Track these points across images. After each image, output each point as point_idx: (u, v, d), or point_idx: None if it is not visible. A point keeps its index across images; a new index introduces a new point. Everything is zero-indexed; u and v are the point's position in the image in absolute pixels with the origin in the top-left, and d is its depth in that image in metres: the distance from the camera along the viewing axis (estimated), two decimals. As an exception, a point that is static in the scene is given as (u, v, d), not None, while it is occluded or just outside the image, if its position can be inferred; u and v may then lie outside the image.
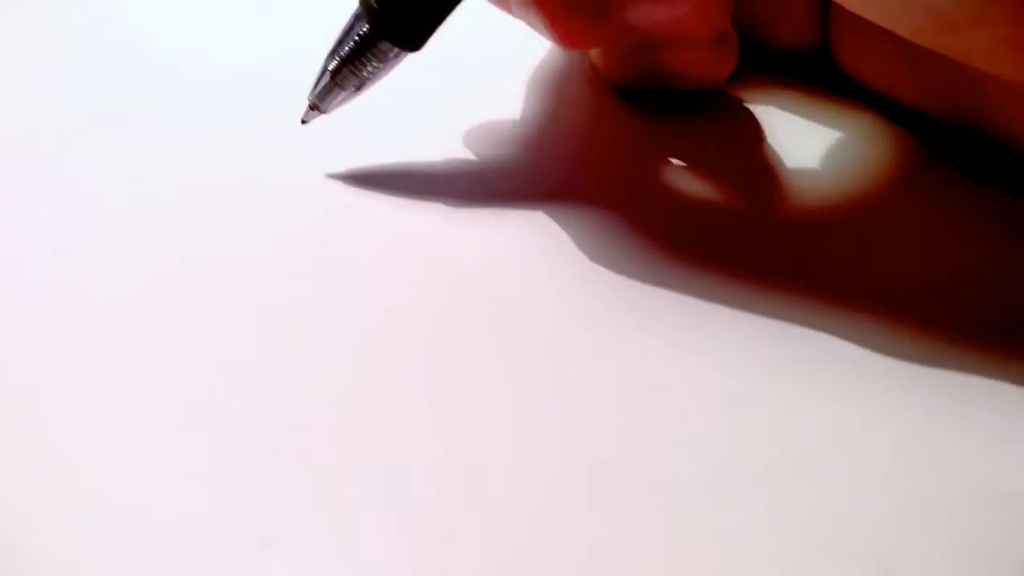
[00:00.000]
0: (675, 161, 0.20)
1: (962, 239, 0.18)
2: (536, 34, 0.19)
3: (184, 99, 0.21)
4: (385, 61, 0.17)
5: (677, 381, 0.16)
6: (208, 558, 0.14)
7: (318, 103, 0.18)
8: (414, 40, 0.17)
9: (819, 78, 0.21)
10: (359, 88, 0.18)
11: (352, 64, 0.17)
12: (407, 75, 0.18)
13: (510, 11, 0.19)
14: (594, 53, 0.22)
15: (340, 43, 0.18)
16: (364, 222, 0.19)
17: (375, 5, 0.17)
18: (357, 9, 0.17)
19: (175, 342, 0.16)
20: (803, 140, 0.20)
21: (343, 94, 0.18)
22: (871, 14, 0.16)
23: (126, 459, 0.15)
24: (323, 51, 0.18)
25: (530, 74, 0.22)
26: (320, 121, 0.19)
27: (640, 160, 0.20)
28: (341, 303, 0.17)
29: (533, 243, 0.18)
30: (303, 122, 0.19)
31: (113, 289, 0.17)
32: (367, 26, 0.17)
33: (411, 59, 0.18)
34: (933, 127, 0.19)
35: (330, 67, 0.18)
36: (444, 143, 0.20)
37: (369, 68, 0.17)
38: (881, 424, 0.15)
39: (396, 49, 0.17)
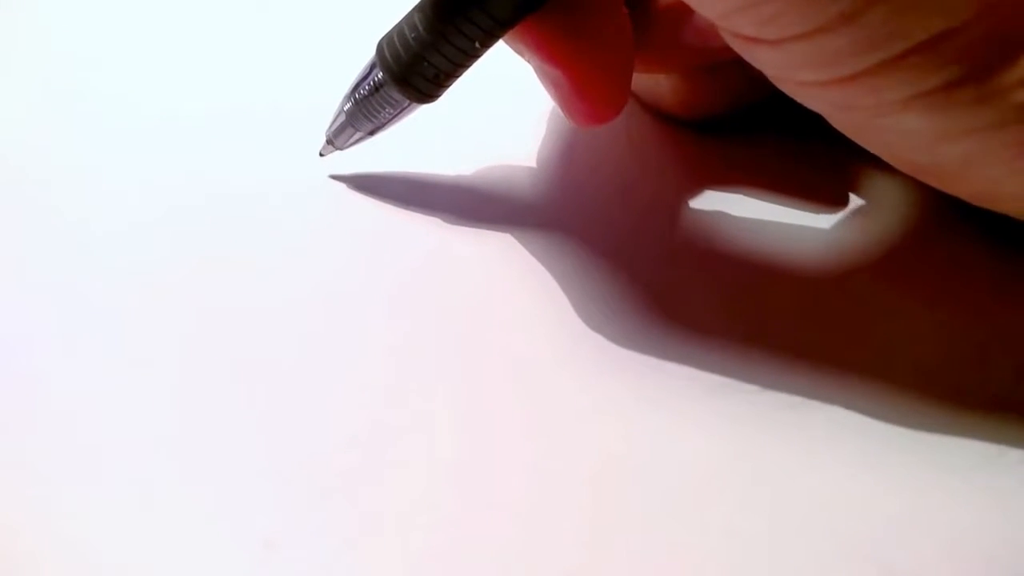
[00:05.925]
0: (693, 204, 0.19)
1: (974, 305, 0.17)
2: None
3: (199, 117, 0.21)
4: (399, 109, 0.17)
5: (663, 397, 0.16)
6: (210, 559, 0.14)
7: (333, 140, 0.19)
8: (428, 94, 0.17)
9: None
10: (373, 132, 0.18)
11: (366, 108, 0.17)
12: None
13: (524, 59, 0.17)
14: (664, 87, 0.19)
15: (357, 86, 0.17)
16: (362, 226, 0.19)
17: (390, 61, 0.16)
18: (374, 56, 0.17)
19: (177, 345, 0.17)
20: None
21: (357, 134, 0.18)
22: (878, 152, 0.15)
23: (128, 461, 0.15)
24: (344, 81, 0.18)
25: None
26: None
27: (654, 196, 0.19)
28: (339, 307, 0.17)
29: (520, 266, 0.18)
30: (320, 155, 0.19)
31: (115, 291, 0.18)
32: (381, 73, 0.17)
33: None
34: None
35: (345, 108, 0.18)
36: (454, 157, 0.20)
37: (383, 115, 0.17)
38: (881, 425, 0.16)
39: (409, 100, 0.17)
